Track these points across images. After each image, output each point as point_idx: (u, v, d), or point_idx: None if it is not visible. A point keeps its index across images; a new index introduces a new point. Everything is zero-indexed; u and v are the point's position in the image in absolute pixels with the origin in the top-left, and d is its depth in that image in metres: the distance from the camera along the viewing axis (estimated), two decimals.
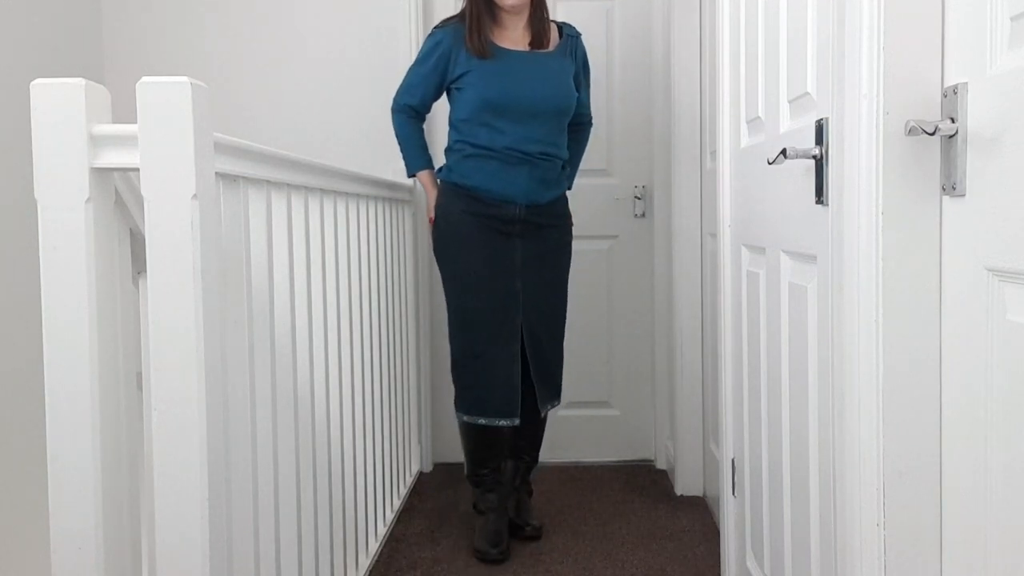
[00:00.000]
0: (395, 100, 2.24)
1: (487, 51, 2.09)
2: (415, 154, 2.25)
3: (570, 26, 2.27)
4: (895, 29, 0.98)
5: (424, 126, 2.28)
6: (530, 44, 2.16)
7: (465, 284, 2.14)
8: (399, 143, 2.26)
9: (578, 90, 2.24)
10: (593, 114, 2.41)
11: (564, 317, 2.29)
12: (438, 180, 2.24)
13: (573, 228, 2.31)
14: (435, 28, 2.19)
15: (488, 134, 2.11)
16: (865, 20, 1.00)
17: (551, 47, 2.19)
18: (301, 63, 2.80)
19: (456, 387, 2.20)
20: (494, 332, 2.13)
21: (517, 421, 2.16)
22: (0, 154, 2.29)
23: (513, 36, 2.16)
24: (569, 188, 2.34)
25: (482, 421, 2.15)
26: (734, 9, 1.67)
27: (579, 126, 2.33)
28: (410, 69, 2.22)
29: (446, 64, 2.14)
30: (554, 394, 2.28)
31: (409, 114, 2.23)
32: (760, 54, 1.49)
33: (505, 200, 2.13)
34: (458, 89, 2.15)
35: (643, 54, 2.83)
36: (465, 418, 2.18)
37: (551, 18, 2.24)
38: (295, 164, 1.44)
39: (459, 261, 2.15)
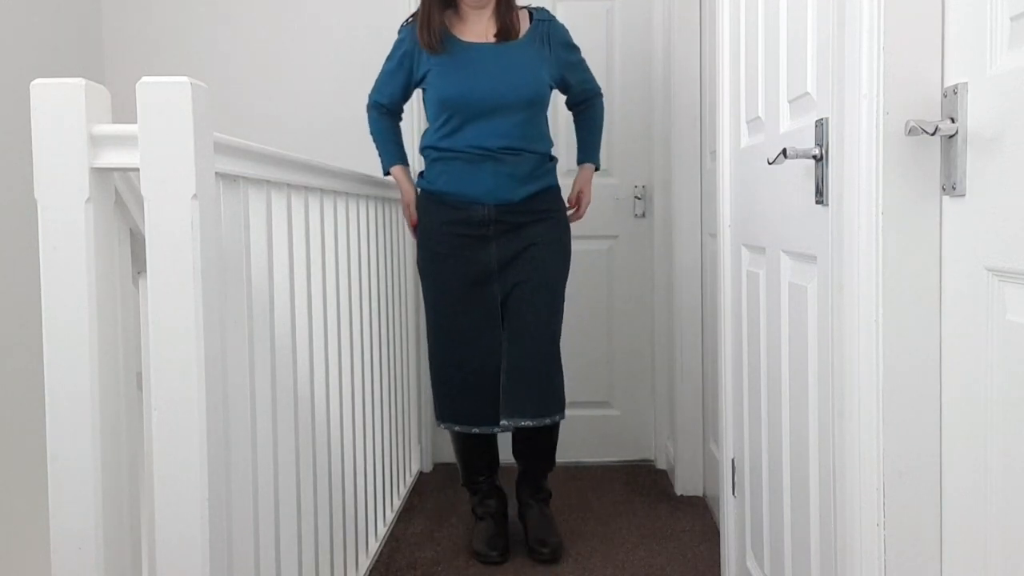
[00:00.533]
0: (369, 96, 2.19)
1: (437, 46, 2.01)
2: (387, 150, 2.17)
3: (542, 10, 2.16)
4: (895, 29, 0.98)
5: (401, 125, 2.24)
6: (496, 36, 2.05)
7: (437, 298, 2.10)
8: (373, 141, 2.20)
9: (564, 75, 2.15)
10: (563, 131, 2.37)
11: (555, 319, 2.11)
12: (417, 189, 2.17)
13: (571, 226, 2.21)
14: (402, 24, 2.13)
15: (449, 134, 2.05)
16: (865, 20, 1.00)
17: (520, 36, 2.08)
18: (301, 63, 2.80)
19: (434, 397, 2.16)
20: (470, 343, 2.06)
21: (486, 428, 2.09)
22: (0, 154, 2.29)
23: (477, 29, 2.07)
24: (597, 167, 2.26)
25: (457, 428, 2.11)
26: (734, 9, 1.67)
27: (585, 103, 2.24)
28: (382, 66, 2.16)
29: (410, 63, 2.08)
30: (542, 407, 2.04)
31: (380, 111, 2.17)
32: (760, 54, 1.49)
33: (471, 201, 2.05)
34: (423, 90, 2.11)
35: (643, 54, 2.83)
36: (443, 426, 2.14)
37: (524, 5, 2.14)
38: (295, 164, 1.44)
39: (433, 276, 2.10)
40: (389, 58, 2.13)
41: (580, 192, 2.24)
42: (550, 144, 2.16)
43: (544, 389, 2.06)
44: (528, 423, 2.04)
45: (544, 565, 2.08)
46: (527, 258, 2.07)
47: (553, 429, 2.17)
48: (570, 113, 2.31)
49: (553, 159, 2.17)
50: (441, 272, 2.08)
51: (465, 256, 2.06)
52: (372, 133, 2.20)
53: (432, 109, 2.08)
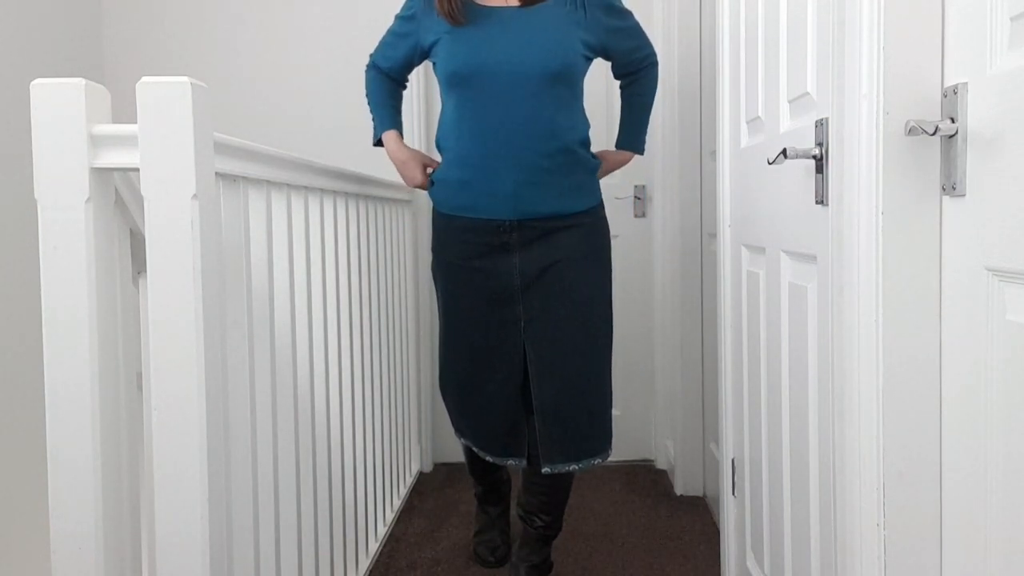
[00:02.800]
0: (370, 56, 1.92)
1: (459, 15, 1.70)
2: (380, 114, 1.87)
3: None
4: (895, 29, 0.98)
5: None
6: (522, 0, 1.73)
7: (450, 314, 1.83)
8: (368, 103, 1.91)
9: (607, 43, 1.80)
10: (593, 112, 2.07)
11: (600, 339, 1.76)
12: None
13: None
14: None
15: (460, 120, 1.73)
16: (865, 20, 1.00)
17: None
18: (301, 63, 2.80)
19: (448, 411, 1.92)
20: (485, 369, 1.79)
21: (512, 462, 1.85)
22: (0, 154, 2.29)
23: None
24: (640, 150, 1.92)
25: (475, 449, 1.89)
26: (734, 9, 1.67)
27: (633, 74, 1.89)
28: (385, 32, 1.90)
29: (417, 28, 1.79)
30: (585, 448, 1.75)
31: (379, 70, 1.90)
32: (760, 54, 1.49)
33: (489, 219, 1.75)
34: (433, 64, 1.80)
35: None
36: (460, 439, 1.94)
37: None
38: (295, 164, 1.44)
39: (446, 289, 1.83)
40: (395, 20, 1.86)
41: (602, 173, 1.88)
42: (585, 129, 1.80)
43: (583, 428, 1.75)
44: (572, 468, 1.76)
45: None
46: (555, 277, 1.74)
47: (565, 478, 1.88)
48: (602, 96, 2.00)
49: (594, 159, 1.82)
50: (455, 285, 1.80)
51: (483, 269, 1.76)
52: (367, 95, 1.91)
53: (443, 88, 1.76)
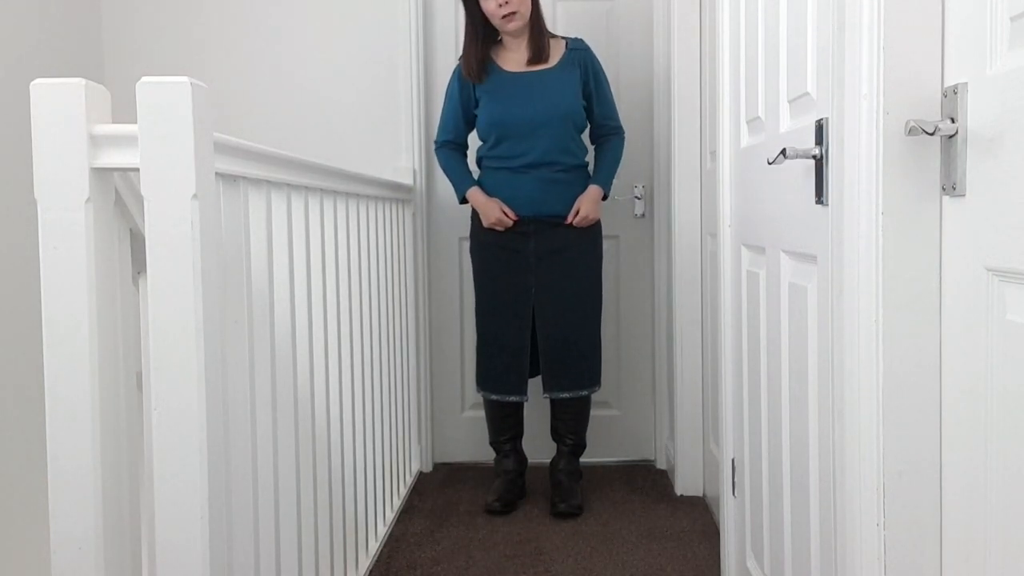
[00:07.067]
0: (435, 139, 2.52)
1: (481, 75, 2.38)
2: (459, 179, 2.47)
3: (577, 40, 2.46)
4: (895, 29, 0.98)
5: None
6: (528, 61, 2.37)
7: (481, 281, 2.46)
8: (446, 174, 2.52)
9: (589, 100, 2.42)
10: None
11: (591, 305, 2.43)
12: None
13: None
14: (455, 68, 2.47)
15: (495, 145, 2.40)
16: (865, 20, 1.00)
17: (554, 62, 2.40)
18: (301, 62, 2.80)
19: (476, 367, 2.49)
20: (504, 322, 2.41)
21: (516, 398, 2.43)
22: (0, 154, 2.29)
23: (516, 57, 2.41)
24: (606, 195, 2.46)
25: (493, 397, 2.45)
26: (734, 9, 1.67)
27: (605, 138, 2.48)
28: (442, 107, 2.51)
29: (467, 96, 2.43)
30: (577, 382, 2.41)
31: (449, 147, 2.49)
32: (760, 54, 1.49)
33: (513, 208, 2.38)
34: (476, 114, 2.44)
35: (643, 54, 2.83)
36: (480, 393, 2.49)
37: (556, 34, 2.47)
38: (295, 164, 1.44)
39: (479, 261, 2.46)
40: (448, 99, 2.48)
41: (578, 207, 2.40)
42: (583, 155, 2.45)
43: (576, 367, 2.42)
44: (565, 395, 2.42)
45: (542, 563, 2.07)
46: (565, 257, 2.40)
47: (582, 403, 2.50)
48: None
49: (589, 176, 2.47)
50: (486, 259, 2.44)
51: (508, 246, 2.40)
52: (444, 168, 2.52)
53: (482, 129, 2.43)
